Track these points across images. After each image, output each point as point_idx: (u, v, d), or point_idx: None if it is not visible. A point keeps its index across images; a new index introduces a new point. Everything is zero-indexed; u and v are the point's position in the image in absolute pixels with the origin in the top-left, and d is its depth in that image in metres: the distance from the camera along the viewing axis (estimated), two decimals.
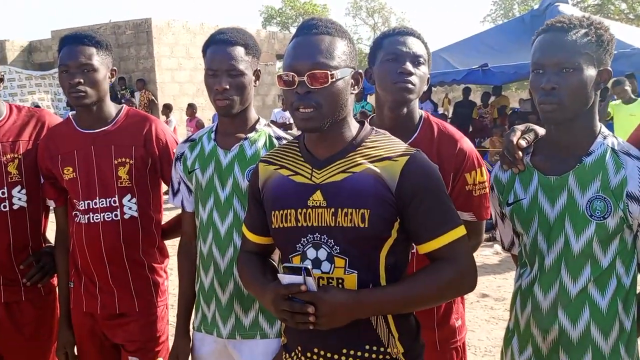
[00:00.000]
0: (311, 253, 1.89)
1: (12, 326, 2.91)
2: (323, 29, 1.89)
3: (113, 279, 2.78)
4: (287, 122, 13.74)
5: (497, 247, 7.46)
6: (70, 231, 2.86)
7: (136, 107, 16.46)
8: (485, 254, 7.98)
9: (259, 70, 2.55)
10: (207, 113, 17.86)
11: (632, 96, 9.76)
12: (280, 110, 15.68)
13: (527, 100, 15.73)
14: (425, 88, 2.50)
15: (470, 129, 14.42)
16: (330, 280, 1.87)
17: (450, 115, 17.26)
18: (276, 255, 2.21)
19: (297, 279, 1.76)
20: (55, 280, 3.00)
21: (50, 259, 2.94)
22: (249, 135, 2.52)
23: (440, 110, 18.56)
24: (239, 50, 2.44)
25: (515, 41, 11.87)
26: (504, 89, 17.76)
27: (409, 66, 2.38)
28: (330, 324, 1.80)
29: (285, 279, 1.79)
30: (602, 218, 1.96)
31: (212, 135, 2.58)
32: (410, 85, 2.39)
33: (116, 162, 2.75)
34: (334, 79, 1.83)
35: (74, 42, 2.68)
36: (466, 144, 2.54)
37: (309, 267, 1.76)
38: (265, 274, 2.02)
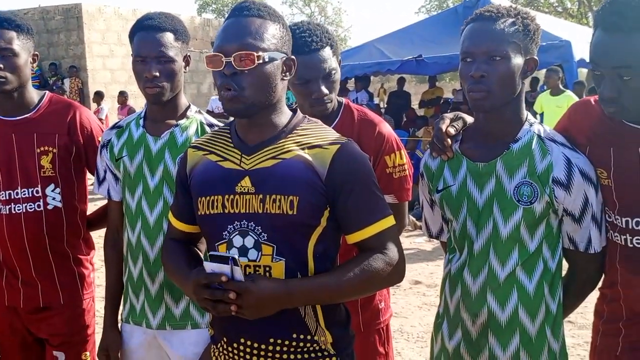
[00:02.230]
0: (237, 241, 1.85)
1: None
2: (254, 11, 1.86)
3: (36, 272, 2.69)
4: (222, 112, 13.62)
5: None
6: None
7: (67, 94, 16.06)
8: (419, 242, 8.09)
9: (189, 56, 2.50)
10: (139, 101, 17.51)
11: (561, 87, 10.08)
12: (216, 97, 15.49)
13: (459, 91, 15.99)
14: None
15: (405, 119, 14.58)
16: (257, 268, 1.83)
17: (385, 105, 17.44)
18: (202, 245, 2.16)
19: (223, 267, 1.72)
20: None
21: None
22: (180, 122, 2.48)
23: (376, 100, 18.71)
24: (168, 36, 2.38)
25: (449, 32, 12.00)
26: (438, 79, 18.02)
27: (323, 90, 2.42)
28: (257, 314, 1.77)
29: (211, 267, 1.75)
30: (529, 203, 2.00)
31: (141, 122, 2.52)
32: (326, 105, 2.46)
33: (38, 150, 2.65)
34: (260, 61, 1.79)
35: None
36: (385, 128, 2.61)
37: (237, 256, 1.72)
38: (189, 263, 1.97)
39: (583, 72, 11.71)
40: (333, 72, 2.45)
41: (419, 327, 5.42)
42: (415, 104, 16.91)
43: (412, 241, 8.05)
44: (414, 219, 8.35)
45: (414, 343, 5.12)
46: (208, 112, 10.92)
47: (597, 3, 30.36)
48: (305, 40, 2.40)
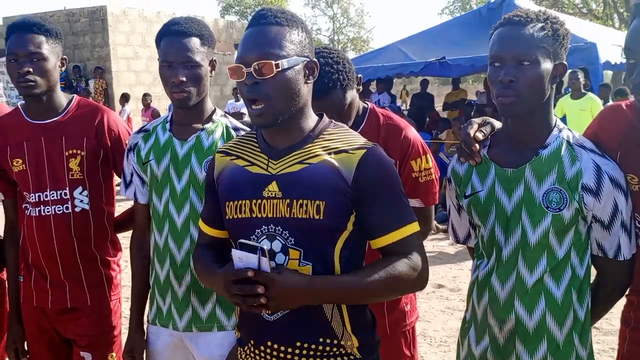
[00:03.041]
0: (265, 244, 1.85)
1: None
2: (272, 19, 1.87)
3: (64, 273, 2.72)
4: (239, 112, 13.80)
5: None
6: (20, 224, 2.78)
7: (92, 96, 16.23)
8: (442, 245, 8.06)
9: (215, 60, 2.51)
10: (163, 103, 17.63)
11: (582, 90, 9.98)
12: (233, 101, 15.70)
13: (483, 93, 15.91)
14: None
15: (428, 121, 14.54)
16: None
17: (407, 107, 17.39)
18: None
19: (251, 257, 1.73)
20: (4, 275, 2.91)
21: None
22: (206, 126, 2.49)
23: (398, 102, 18.67)
24: (195, 41, 2.39)
25: (472, 34, 11.99)
26: (461, 81, 17.94)
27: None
28: (281, 307, 1.78)
29: (239, 255, 1.75)
30: (558, 210, 1.98)
31: (167, 125, 2.53)
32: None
33: (67, 153, 2.68)
34: (280, 69, 1.80)
35: (22, 29, 2.60)
36: (411, 132, 2.61)
37: (265, 247, 1.73)
38: (218, 264, 1.97)
39: (608, 75, 11.60)
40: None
41: (442, 331, 5.39)
42: (438, 105, 16.85)
43: (435, 244, 8.01)
44: (437, 222, 8.32)
45: (437, 347, 5.10)
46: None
47: (622, 4, 30.06)
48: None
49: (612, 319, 5.16)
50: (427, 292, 6.26)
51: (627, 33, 1.95)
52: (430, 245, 7.79)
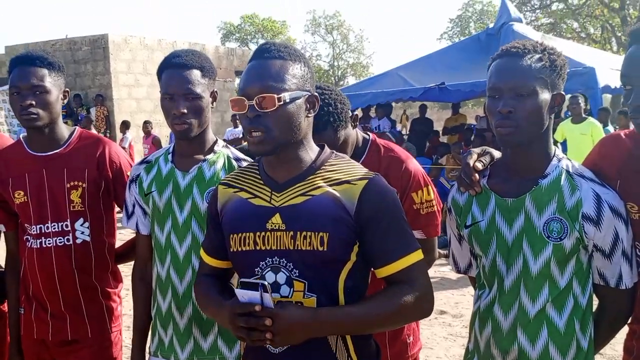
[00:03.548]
0: (270, 277, 1.87)
1: None
2: (275, 53, 1.89)
3: (65, 305, 2.72)
4: (238, 138, 13.89)
5: None
6: (21, 256, 2.78)
7: (94, 123, 16.30)
8: (443, 271, 8.03)
9: (216, 91, 2.54)
10: (164, 130, 17.69)
11: (583, 115, 10.01)
12: (232, 128, 15.81)
13: (483, 117, 15.96)
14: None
15: (428, 146, 14.57)
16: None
17: (407, 132, 17.43)
18: (235, 279, 2.18)
19: (253, 294, 1.74)
20: (5, 307, 2.91)
21: (0, 284, 2.85)
22: (208, 156, 2.50)
23: (399, 127, 18.72)
24: (196, 74, 2.41)
25: (471, 59, 12.06)
26: (461, 106, 18.00)
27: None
28: (286, 341, 1.78)
29: (242, 294, 1.76)
30: (559, 239, 1.99)
31: (169, 157, 2.55)
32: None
33: (68, 185, 2.69)
34: (281, 102, 1.82)
35: (25, 63, 2.62)
36: (412, 164, 2.62)
37: (266, 283, 1.74)
38: (222, 295, 1.98)
39: (607, 99, 11.63)
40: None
41: (445, 358, 5.36)
42: (438, 130, 16.90)
43: (437, 270, 7.98)
44: (438, 247, 8.27)
45: None
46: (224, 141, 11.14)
47: (620, 29, 30.28)
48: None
49: (616, 344, 5.11)
50: (429, 318, 6.13)
51: (624, 60, 1.97)
52: (432, 270, 7.72)
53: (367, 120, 14.63)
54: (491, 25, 13.71)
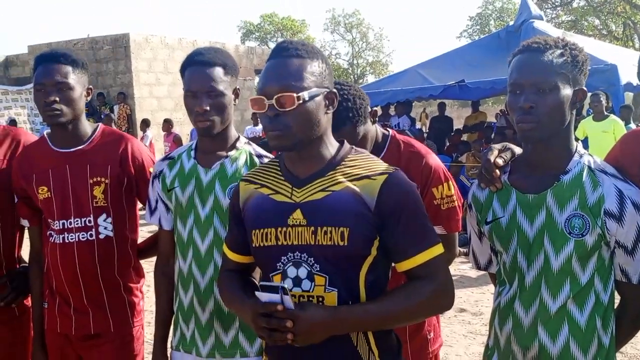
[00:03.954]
0: (291, 271, 1.89)
1: None
2: (293, 51, 1.91)
3: (88, 299, 2.75)
4: (258, 136, 13.91)
5: None
6: (44, 251, 2.81)
7: (115, 122, 16.42)
8: (463, 269, 8.01)
9: (238, 88, 2.55)
10: (185, 128, 17.79)
11: (605, 112, 9.93)
12: (251, 126, 15.85)
13: (503, 115, 15.88)
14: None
15: (448, 144, 14.52)
16: (311, 298, 1.87)
17: (427, 130, 17.38)
18: (257, 274, 2.20)
19: (274, 297, 1.76)
20: (29, 301, 2.95)
21: (24, 279, 2.89)
22: (230, 153, 2.52)
23: (418, 125, 18.68)
24: (218, 71, 2.43)
25: (491, 57, 12.01)
26: (481, 104, 17.92)
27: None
28: (307, 340, 1.80)
29: (263, 297, 1.79)
30: (580, 235, 1.98)
31: (192, 153, 2.57)
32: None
33: (91, 181, 2.72)
34: (301, 101, 1.84)
35: (49, 60, 2.66)
36: (432, 159, 2.63)
37: (286, 285, 1.76)
38: (245, 291, 2.01)
39: (629, 96, 11.52)
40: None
41: (465, 356, 5.35)
42: (457, 128, 16.83)
43: (457, 268, 7.96)
44: (458, 245, 8.25)
45: None
46: None
47: None
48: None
49: (638, 343, 5.09)
50: (449, 316, 6.22)
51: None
52: (452, 268, 7.69)
53: (387, 118, 14.61)
54: (511, 23, 13.62)
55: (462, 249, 8.30)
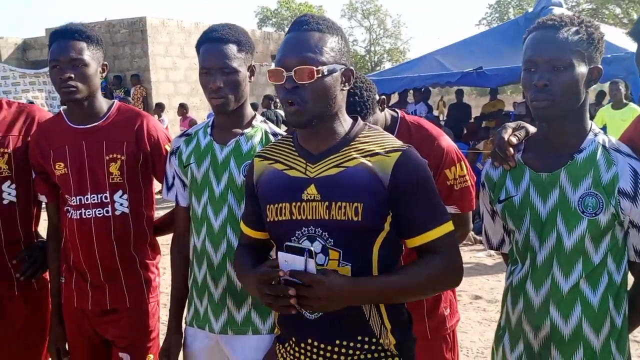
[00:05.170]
0: (306, 245, 1.90)
1: (3, 321, 2.89)
2: (314, 25, 1.91)
3: (104, 275, 2.77)
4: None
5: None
6: (62, 226, 2.85)
7: (131, 104, 16.47)
8: (479, 256, 7.99)
9: (254, 65, 2.55)
10: (201, 113, 17.84)
11: (624, 100, 9.84)
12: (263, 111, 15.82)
13: (521, 104, 15.75)
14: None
15: (465, 131, 14.44)
16: None
17: (444, 118, 17.30)
18: (274, 251, 2.22)
19: (298, 259, 1.77)
20: (47, 275, 2.98)
21: (42, 254, 2.93)
22: (246, 130, 2.53)
23: (435, 113, 18.59)
24: (232, 48, 2.43)
25: (510, 44, 11.87)
26: (499, 92, 17.80)
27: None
28: (326, 307, 1.82)
29: (285, 257, 1.80)
30: (593, 214, 1.97)
31: (209, 130, 2.58)
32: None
33: (107, 157, 2.74)
34: (320, 75, 1.85)
35: (64, 36, 2.68)
36: (444, 140, 2.62)
37: (312, 248, 1.77)
38: (256, 265, 2.02)
39: None
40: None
41: (479, 342, 5.35)
42: (475, 116, 16.75)
43: (473, 255, 7.94)
44: (473, 233, 8.24)
45: (473, 359, 5.06)
46: None
47: None
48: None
49: None
50: (464, 303, 6.21)
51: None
52: (468, 256, 7.72)
53: (404, 105, 14.55)
54: (530, 10, 13.48)
55: (478, 237, 8.30)
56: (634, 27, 1.97)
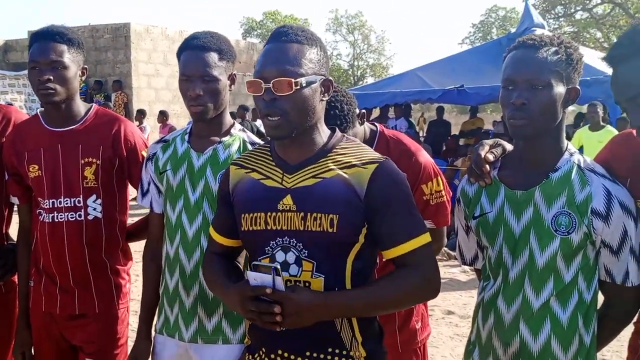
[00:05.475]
0: (280, 256, 1.90)
1: None
2: (293, 36, 1.91)
3: (74, 279, 2.74)
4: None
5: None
6: (33, 229, 2.81)
7: (111, 109, 16.38)
8: (453, 272, 8.02)
9: (235, 74, 2.54)
10: (182, 120, 17.77)
11: (601, 122, 9.97)
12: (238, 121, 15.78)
13: (500, 123, 15.89)
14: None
15: (444, 148, 14.54)
16: (298, 283, 1.88)
17: (424, 134, 17.40)
18: (242, 258, 2.22)
19: (266, 277, 1.77)
20: (16, 278, 2.94)
21: (12, 256, 2.89)
22: (223, 139, 2.51)
23: (417, 129, 18.69)
24: (213, 56, 2.42)
25: (492, 63, 11.95)
26: (480, 111, 17.94)
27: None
28: (295, 323, 1.81)
29: (254, 276, 1.80)
30: (566, 233, 1.98)
31: (186, 137, 2.57)
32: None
33: (83, 161, 2.71)
34: (298, 87, 1.84)
35: (45, 38, 2.65)
36: (422, 156, 2.64)
37: (278, 266, 1.77)
38: (229, 275, 2.03)
39: None
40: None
41: (450, 357, 5.36)
42: (454, 134, 16.87)
43: (447, 271, 7.97)
44: (448, 249, 8.27)
45: None
46: None
47: None
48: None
49: (623, 352, 5.09)
50: (436, 318, 6.23)
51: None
52: (442, 272, 7.59)
53: (385, 120, 14.62)
54: (513, 31, 13.63)
55: (452, 252, 8.34)
56: (609, 52, 2.00)
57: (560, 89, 1.97)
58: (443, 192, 2.67)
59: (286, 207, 1.91)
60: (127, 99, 17.97)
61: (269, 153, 2.03)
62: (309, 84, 1.87)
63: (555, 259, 2.00)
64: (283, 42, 1.90)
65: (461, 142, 15.21)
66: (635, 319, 2.16)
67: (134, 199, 2.76)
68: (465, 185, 2.23)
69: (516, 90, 1.97)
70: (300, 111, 1.87)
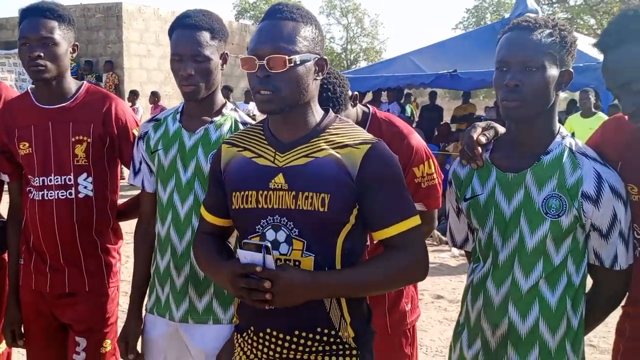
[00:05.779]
0: (270, 235, 1.91)
1: None
2: (288, 14, 1.90)
3: (64, 258, 2.73)
4: (251, 115, 13.79)
5: (455, 250, 7.54)
6: (23, 207, 2.80)
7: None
8: (443, 257, 8.06)
9: (227, 53, 2.52)
10: (174, 101, 17.67)
11: (593, 109, 9.99)
12: (242, 103, 15.75)
13: (492, 108, 15.92)
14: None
15: (436, 133, 14.55)
16: (288, 262, 1.89)
17: (417, 119, 17.41)
18: (233, 238, 2.21)
19: (256, 256, 1.78)
20: (6, 256, 2.93)
21: (2, 234, 2.88)
22: (215, 119, 2.50)
23: (408, 113, 18.69)
24: (205, 35, 2.40)
25: (485, 48, 11.94)
26: (472, 97, 17.94)
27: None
28: (285, 302, 1.82)
29: (244, 254, 1.80)
30: (556, 216, 1.99)
31: (178, 116, 2.55)
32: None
33: (73, 139, 2.70)
34: (292, 64, 1.84)
35: (35, 14, 2.62)
36: (414, 139, 2.64)
37: (269, 245, 1.78)
38: (221, 254, 2.03)
39: None
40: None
41: (439, 341, 5.39)
42: (447, 119, 16.89)
43: (437, 256, 8.01)
44: (439, 233, 8.30)
45: (432, 357, 5.10)
46: None
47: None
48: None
49: (609, 337, 5.13)
50: (426, 302, 6.26)
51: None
52: (432, 256, 7.75)
53: (377, 105, 14.61)
54: (507, 16, 13.61)
55: (444, 237, 8.37)
56: (600, 38, 2.00)
57: (553, 72, 1.97)
58: (434, 175, 2.67)
59: (278, 185, 1.91)
60: (118, 80, 17.84)
61: (261, 132, 2.02)
62: (303, 62, 1.87)
63: (544, 241, 2.01)
64: (278, 19, 1.89)
65: (453, 127, 15.23)
66: (623, 303, 2.17)
67: (124, 179, 2.75)
68: (457, 167, 2.23)
69: (510, 71, 1.97)
70: (293, 89, 1.86)
